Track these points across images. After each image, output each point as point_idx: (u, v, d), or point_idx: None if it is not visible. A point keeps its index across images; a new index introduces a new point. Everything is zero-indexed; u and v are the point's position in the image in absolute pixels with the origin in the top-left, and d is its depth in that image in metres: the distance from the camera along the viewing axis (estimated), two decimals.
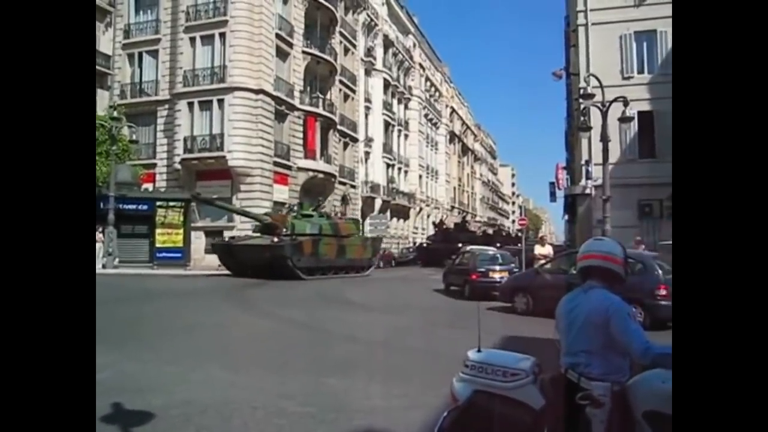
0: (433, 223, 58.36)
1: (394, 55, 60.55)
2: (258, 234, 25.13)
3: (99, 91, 36.63)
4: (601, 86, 18.82)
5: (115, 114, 28.72)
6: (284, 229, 24.21)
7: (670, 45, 23.11)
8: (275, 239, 23.03)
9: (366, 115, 51.95)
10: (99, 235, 25.63)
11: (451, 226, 56.30)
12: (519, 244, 30.99)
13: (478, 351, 3.51)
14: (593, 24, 25.72)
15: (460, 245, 36.64)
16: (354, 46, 48.37)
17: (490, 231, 62.54)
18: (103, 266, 24.87)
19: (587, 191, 25.14)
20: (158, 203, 27.93)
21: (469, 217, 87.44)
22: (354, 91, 48.01)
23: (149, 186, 33.51)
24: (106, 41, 37.21)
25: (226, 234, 30.33)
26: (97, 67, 35.95)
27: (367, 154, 52.04)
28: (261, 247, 23.04)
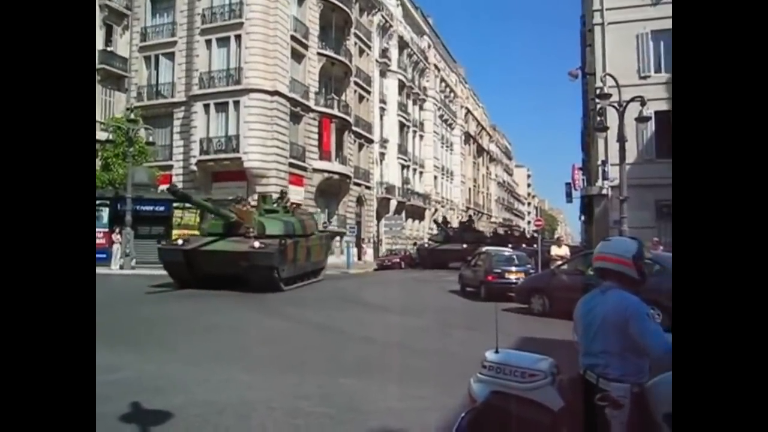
0: (435, 221, 51.35)
1: (409, 56, 60.52)
2: (217, 235, 18.95)
3: (116, 94, 37.04)
4: (618, 86, 18.70)
5: (132, 116, 28.95)
6: (251, 229, 19.07)
7: None
8: (256, 244, 17.84)
9: (381, 117, 51.96)
10: (116, 237, 25.87)
11: (456, 225, 51.81)
12: (534, 245, 30.80)
13: (496, 352, 3.51)
14: (609, 23, 25.51)
15: (464, 246, 35.22)
16: (369, 47, 48.41)
17: (502, 231, 57.93)
18: (121, 267, 25.11)
19: (604, 192, 24.93)
20: (175, 205, 28.10)
21: (481, 217, 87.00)
22: (369, 93, 48.06)
23: (165, 187, 33.74)
24: (123, 44, 37.58)
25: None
26: (115, 69, 36.37)
27: (382, 155, 52.06)
28: (236, 254, 17.75)
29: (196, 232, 23.02)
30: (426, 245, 42.95)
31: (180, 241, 19.37)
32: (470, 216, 64.89)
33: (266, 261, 17.88)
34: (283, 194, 24.41)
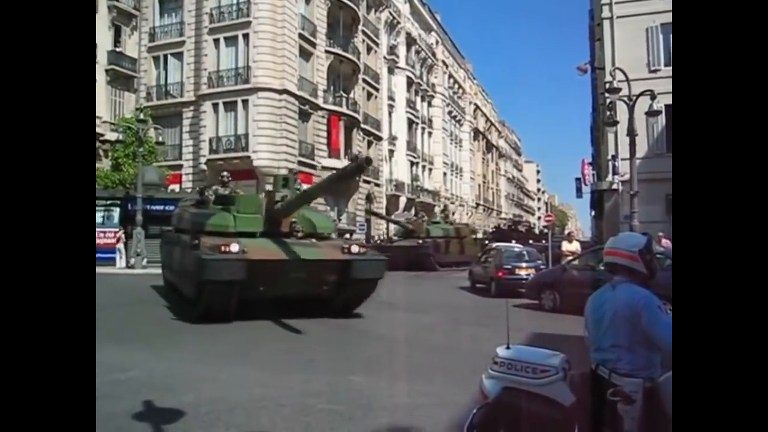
0: (380, 215, 41.44)
1: (417, 52, 60.46)
2: (247, 235, 12.00)
3: (125, 94, 37.24)
4: (627, 80, 18.55)
5: (142, 116, 29.01)
6: (298, 226, 12.65)
7: None
8: (354, 248, 12.38)
9: (389, 114, 51.94)
10: (120, 235, 26.11)
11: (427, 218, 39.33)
12: (543, 241, 30.57)
13: (507, 348, 3.50)
14: (618, 17, 25.37)
15: (423, 242, 30.36)
16: (377, 44, 48.38)
17: (505, 226, 52.10)
18: (132, 266, 25.23)
19: (614, 187, 24.84)
20: None
21: (490, 213, 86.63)
22: (377, 90, 48.04)
23: (176, 187, 33.84)
24: (132, 44, 37.76)
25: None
26: (124, 70, 36.55)
27: (391, 152, 52.06)
28: (328, 264, 11.99)
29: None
30: (379, 242, 34.66)
31: (234, 247, 11.05)
32: (446, 205, 55.84)
33: (374, 273, 12.42)
34: (292, 175, 15.97)
